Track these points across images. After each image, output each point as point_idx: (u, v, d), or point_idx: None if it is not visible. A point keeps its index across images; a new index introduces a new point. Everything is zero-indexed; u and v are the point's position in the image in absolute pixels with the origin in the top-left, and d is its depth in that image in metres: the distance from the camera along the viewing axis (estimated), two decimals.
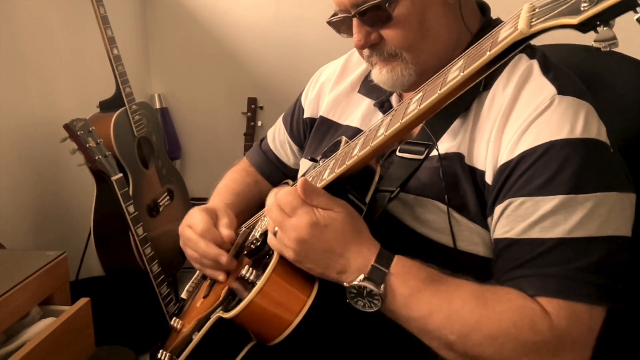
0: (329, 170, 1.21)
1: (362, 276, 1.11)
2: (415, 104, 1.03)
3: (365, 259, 1.13)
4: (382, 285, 1.10)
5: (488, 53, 0.89)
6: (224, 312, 1.18)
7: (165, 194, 3.16)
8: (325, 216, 1.13)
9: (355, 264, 1.13)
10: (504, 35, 0.88)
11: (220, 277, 1.38)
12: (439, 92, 0.97)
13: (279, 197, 1.18)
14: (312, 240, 1.13)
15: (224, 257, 1.36)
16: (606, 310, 1.10)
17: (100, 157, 2.50)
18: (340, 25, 1.32)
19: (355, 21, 1.27)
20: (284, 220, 1.16)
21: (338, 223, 1.13)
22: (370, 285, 1.10)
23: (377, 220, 1.21)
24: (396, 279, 1.11)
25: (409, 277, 1.11)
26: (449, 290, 1.11)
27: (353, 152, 1.15)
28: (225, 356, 1.23)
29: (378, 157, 1.31)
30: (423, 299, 1.10)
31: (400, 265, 1.12)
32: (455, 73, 0.95)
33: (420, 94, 1.04)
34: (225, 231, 1.42)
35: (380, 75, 1.32)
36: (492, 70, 0.93)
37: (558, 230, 1.10)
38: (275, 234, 1.19)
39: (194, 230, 1.42)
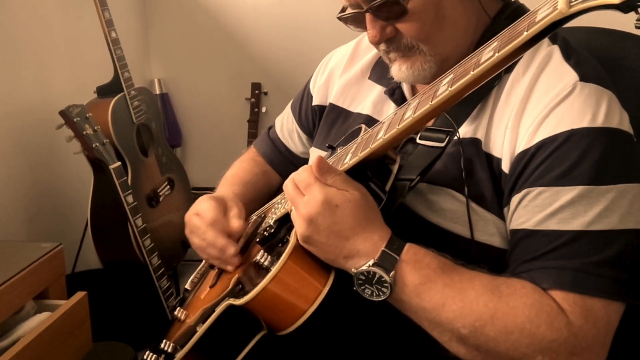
0: (350, 155, 1.21)
1: (371, 261, 1.11)
2: (445, 85, 1.02)
3: (375, 244, 1.13)
4: (392, 272, 1.10)
5: (525, 33, 0.89)
6: (235, 299, 1.18)
7: (166, 183, 3.16)
8: (339, 196, 1.13)
9: (363, 249, 1.13)
10: (542, 16, 0.87)
11: (228, 267, 1.38)
12: (472, 72, 0.96)
13: (294, 174, 1.19)
14: (322, 220, 1.12)
15: (231, 249, 1.36)
16: (624, 307, 1.10)
17: (97, 144, 2.50)
18: (350, 20, 1.31)
19: (368, 16, 1.26)
20: (296, 197, 1.16)
21: (351, 205, 1.13)
22: (379, 271, 1.09)
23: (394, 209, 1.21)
24: (407, 266, 1.11)
25: (421, 265, 1.11)
26: (463, 282, 1.10)
27: (378, 136, 1.14)
28: (235, 345, 1.24)
29: (395, 146, 1.31)
30: (435, 289, 1.10)
31: (411, 253, 1.12)
32: (490, 54, 0.95)
33: (450, 76, 1.04)
34: (236, 222, 1.42)
35: (400, 72, 1.31)
36: (526, 51, 0.92)
37: (577, 222, 1.09)
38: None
39: (202, 219, 1.42)
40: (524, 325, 1.05)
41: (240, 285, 1.25)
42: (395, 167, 1.23)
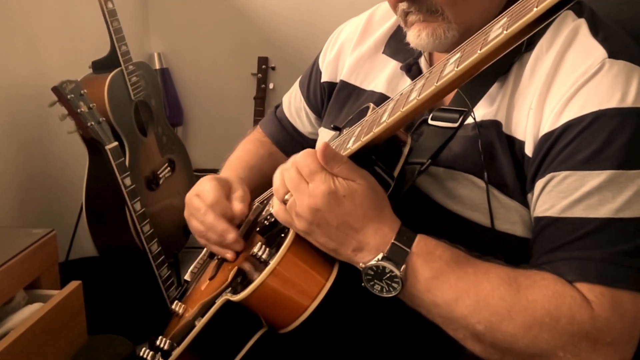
0: (354, 139, 1.19)
1: (380, 255, 1.10)
2: (452, 65, 1.00)
3: (384, 236, 1.12)
4: (403, 266, 1.09)
5: (535, 9, 0.87)
6: (232, 295, 1.18)
7: (166, 164, 3.17)
8: (345, 186, 1.12)
9: (373, 241, 1.12)
10: None
11: (228, 254, 1.37)
12: (479, 52, 0.95)
13: (296, 159, 1.16)
14: (328, 211, 1.11)
15: (231, 235, 1.36)
16: None
17: (92, 123, 2.49)
18: None
19: None
20: (299, 184, 1.14)
21: (358, 196, 1.12)
22: (389, 266, 1.09)
23: (404, 195, 1.20)
24: (418, 259, 1.10)
25: (433, 257, 1.10)
26: (478, 274, 1.10)
27: (381, 119, 1.13)
28: (233, 343, 1.23)
29: (407, 127, 1.29)
30: (448, 283, 1.09)
31: (422, 245, 1.11)
32: (498, 31, 0.93)
33: (458, 55, 1.02)
34: (238, 205, 1.41)
35: (419, 39, 1.29)
36: (538, 28, 0.91)
37: (604, 209, 1.08)
38: (285, 202, 1.18)
39: (202, 200, 1.41)
40: (543, 319, 1.05)
41: (239, 279, 1.24)
42: (405, 150, 1.22)
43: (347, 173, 1.13)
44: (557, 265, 1.10)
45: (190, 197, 1.46)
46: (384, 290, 1.11)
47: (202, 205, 1.41)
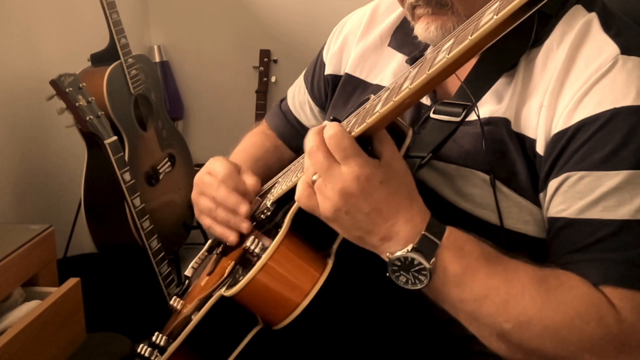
0: (348, 130, 1.18)
1: (410, 246, 1.07)
2: (444, 52, 0.98)
3: (415, 227, 1.09)
4: (433, 259, 1.07)
5: None
6: (226, 290, 1.17)
7: (166, 159, 3.17)
8: (384, 171, 1.09)
9: (403, 231, 1.09)
10: None
11: (231, 237, 1.37)
12: (470, 38, 0.93)
13: (330, 138, 1.10)
14: (361, 197, 1.08)
15: (244, 207, 1.34)
16: None
17: (91, 117, 2.49)
18: None
19: None
20: (331, 166, 1.09)
21: (395, 183, 1.09)
22: (418, 258, 1.06)
23: None
24: (448, 253, 1.08)
25: (463, 252, 1.08)
26: (508, 272, 1.08)
27: (375, 109, 1.10)
28: (229, 340, 1.23)
29: (414, 120, 1.28)
30: (477, 280, 1.07)
31: (453, 238, 1.09)
32: (489, 16, 0.92)
33: (450, 42, 1.00)
34: (250, 179, 1.40)
35: (427, 32, 1.27)
36: (530, 12, 0.89)
37: (623, 210, 1.07)
38: (313, 183, 1.12)
39: (214, 176, 1.41)
40: (573, 321, 1.04)
41: (235, 273, 1.23)
42: (406, 143, 1.20)
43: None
44: (579, 267, 1.09)
45: (201, 175, 1.46)
46: (409, 283, 1.08)
47: (214, 180, 1.40)
